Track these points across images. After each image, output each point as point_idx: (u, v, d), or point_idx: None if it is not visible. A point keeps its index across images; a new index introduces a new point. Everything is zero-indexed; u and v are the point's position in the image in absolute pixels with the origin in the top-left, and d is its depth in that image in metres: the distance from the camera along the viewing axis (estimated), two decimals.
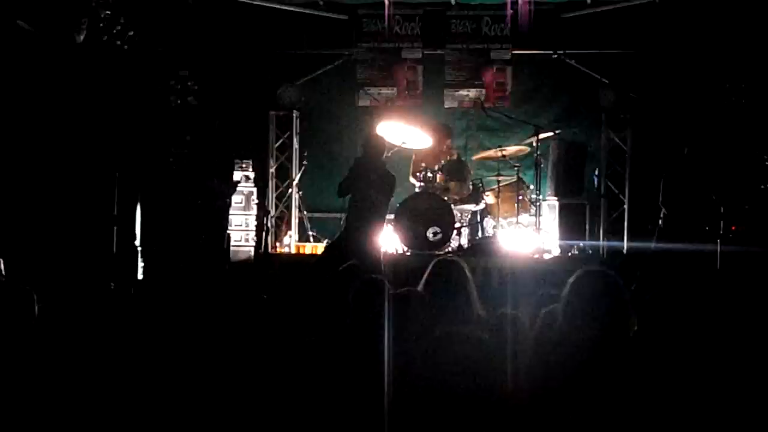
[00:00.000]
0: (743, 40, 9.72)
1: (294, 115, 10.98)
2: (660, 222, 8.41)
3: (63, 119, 8.91)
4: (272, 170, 11.04)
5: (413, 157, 9.90)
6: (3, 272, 6.26)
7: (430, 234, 9.12)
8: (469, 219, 9.81)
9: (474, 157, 10.22)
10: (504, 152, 9.77)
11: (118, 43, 9.39)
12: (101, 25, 9.18)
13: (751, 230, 8.78)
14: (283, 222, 10.97)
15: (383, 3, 10.66)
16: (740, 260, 8.18)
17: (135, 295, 7.97)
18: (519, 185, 9.71)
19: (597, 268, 3.73)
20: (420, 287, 4.43)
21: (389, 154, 8.62)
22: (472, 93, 10.97)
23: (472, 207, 9.70)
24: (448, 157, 9.66)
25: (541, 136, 9.63)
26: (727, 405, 3.11)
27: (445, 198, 9.28)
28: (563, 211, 9.98)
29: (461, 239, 9.55)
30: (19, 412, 3.42)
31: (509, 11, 10.38)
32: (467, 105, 10.98)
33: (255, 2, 10.48)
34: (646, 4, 10.14)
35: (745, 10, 9.60)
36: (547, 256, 9.47)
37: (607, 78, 10.41)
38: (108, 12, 9.30)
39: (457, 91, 11.03)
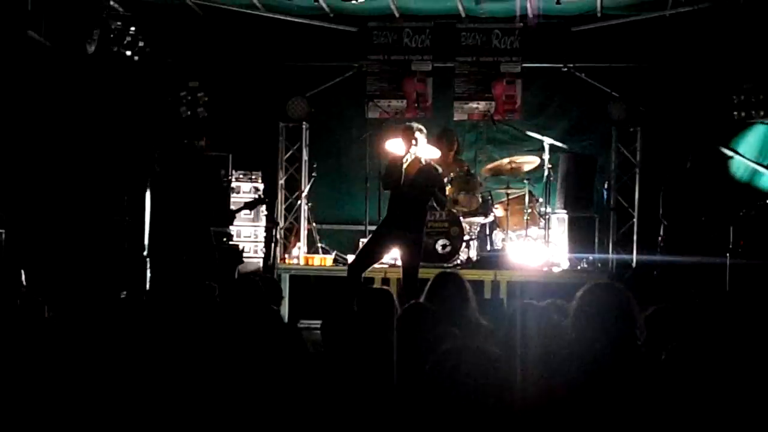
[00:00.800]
0: (752, 52, 9.72)
1: (303, 126, 10.99)
2: (661, 235, 8.41)
3: (73, 129, 8.95)
4: (281, 182, 11.04)
5: None
6: (24, 283, 6.33)
7: (438, 247, 9.14)
8: (479, 232, 9.79)
9: (483, 169, 10.17)
10: (513, 165, 9.77)
11: (129, 53, 9.45)
12: (112, 35, 9.24)
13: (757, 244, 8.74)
14: (291, 234, 10.96)
15: (393, 15, 10.72)
16: (747, 273, 8.18)
17: (144, 303, 7.97)
18: (528, 198, 9.70)
19: (605, 281, 3.71)
20: (422, 299, 4.42)
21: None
22: (482, 106, 10.97)
23: (480, 219, 9.68)
24: (458, 169, 9.63)
25: (549, 142, 9.66)
26: (735, 416, 3.08)
27: (454, 210, 9.28)
28: (572, 224, 9.96)
29: (470, 252, 9.53)
30: (30, 416, 3.43)
31: (518, 24, 10.46)
32: (477, 117, 10.96)
33: (265, 14, 10.51)
34: (655, 18, 10.14)
35: (754, 23, 9.60)
36: (556, 270, 9.46)
37: (618, 92, 10.36)
38: (119, 23, 9.36)
39: (467, 103, 11.03)
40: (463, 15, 10.74)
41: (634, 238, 10.28)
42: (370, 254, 7.95)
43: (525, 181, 9.79)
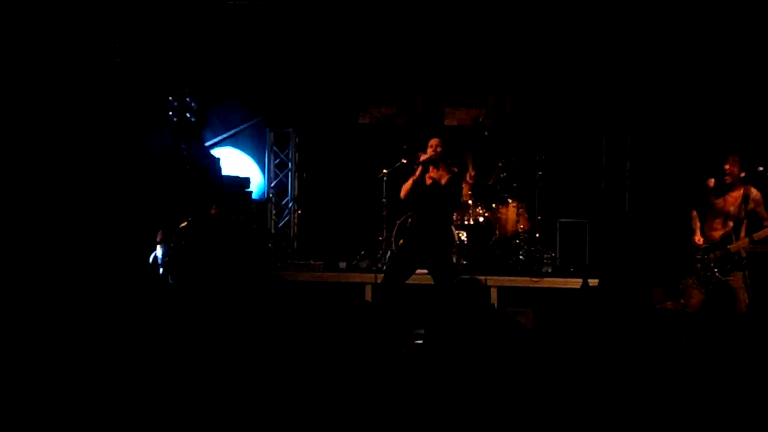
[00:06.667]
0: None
1: (292, 132, 10.96)
2: None
3: (62, 136, 8.90)
4: (271, 188, 11.01)
5: None
6: None
7: None
8: (468, 237, 9.76)
9: (473, 174, 10.11)
10: (504, 171, 9.80)
11: (118, 60, 9.41)
12: (101, 41, 9.22)
13: None
14: (282, 239, 10.92)
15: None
16: None
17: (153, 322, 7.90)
18: (518, 203, 9.70)
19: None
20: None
21: None
22: (472, 112, 10.94)
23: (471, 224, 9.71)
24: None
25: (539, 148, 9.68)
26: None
27: None
28: (563, 229, 9.94)
29: (460, 258, 9.49)
30: None
31: None
32: (467, 123, 10.90)
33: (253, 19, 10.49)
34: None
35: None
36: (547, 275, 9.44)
37: (608, 100, 10.37)
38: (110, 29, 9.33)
39: (458, 109, 11.01)
40: None
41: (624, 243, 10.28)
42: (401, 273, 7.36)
43: (515, 186, 9.78)
